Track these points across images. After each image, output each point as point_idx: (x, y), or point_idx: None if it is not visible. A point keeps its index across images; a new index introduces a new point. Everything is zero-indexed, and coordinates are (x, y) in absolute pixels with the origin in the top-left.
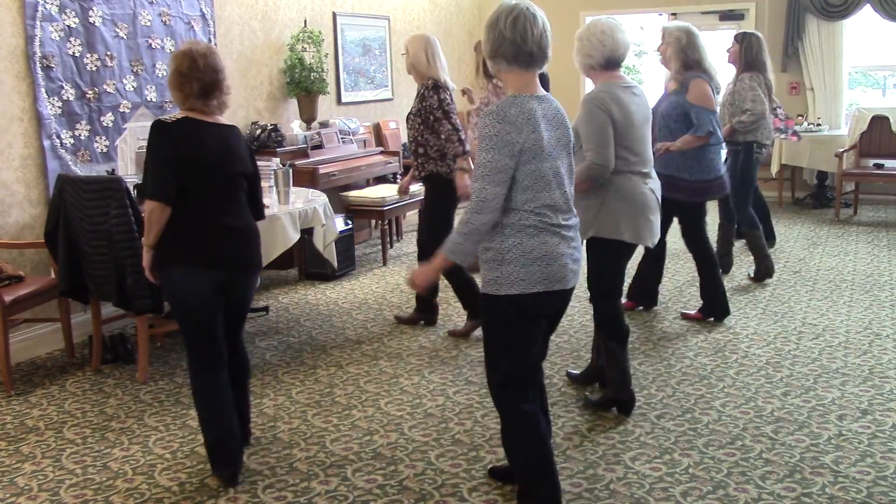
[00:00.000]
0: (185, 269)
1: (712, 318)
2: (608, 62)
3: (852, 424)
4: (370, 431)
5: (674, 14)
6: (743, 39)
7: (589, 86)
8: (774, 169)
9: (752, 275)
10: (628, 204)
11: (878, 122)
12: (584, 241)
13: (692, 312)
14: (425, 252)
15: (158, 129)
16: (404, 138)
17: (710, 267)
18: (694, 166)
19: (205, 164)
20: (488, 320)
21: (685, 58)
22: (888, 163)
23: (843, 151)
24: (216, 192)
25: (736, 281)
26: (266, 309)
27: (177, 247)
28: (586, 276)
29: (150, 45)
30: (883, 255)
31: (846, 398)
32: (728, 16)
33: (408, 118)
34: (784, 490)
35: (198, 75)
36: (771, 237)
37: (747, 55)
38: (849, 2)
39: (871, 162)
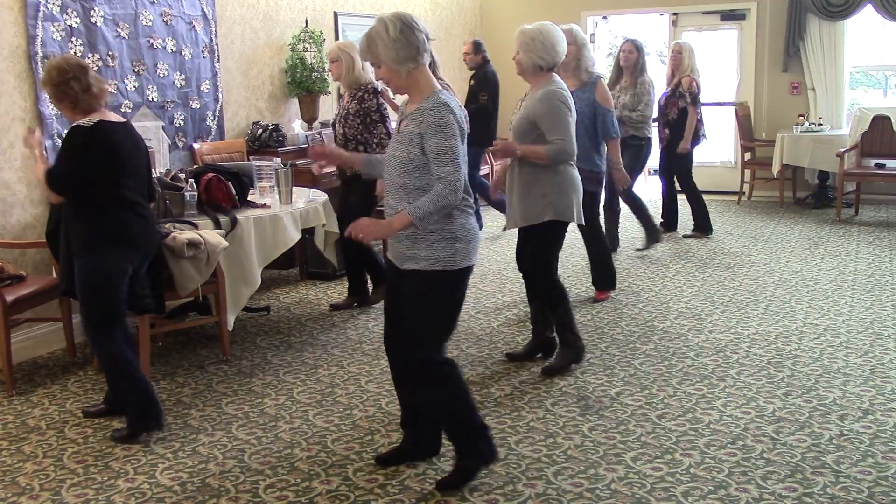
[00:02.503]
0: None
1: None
2: (554, 66)
3: (854, 424)
4: (371, 431)
5: (675, 14)
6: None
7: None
8: (776, 169)
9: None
10: (576, 191)
11: (880, 121)
12: (532, 224)
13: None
14: (351, 244)
15: (74, 131)
16: None
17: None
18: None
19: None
20: (440, 296)
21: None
22: (889, 163)
23: (845, 151)
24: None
25: (737, 281)
26: (267, 309)
27: (108, 229)
28: (535, 256)
29: (152, 45)
30: (884, 256)
31: (847, 398)
32: (729, 16)
33: (344, 119)
34: (785, 490)
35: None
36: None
37: (641, 61)
38: (850, 1)
39: (873, 162)
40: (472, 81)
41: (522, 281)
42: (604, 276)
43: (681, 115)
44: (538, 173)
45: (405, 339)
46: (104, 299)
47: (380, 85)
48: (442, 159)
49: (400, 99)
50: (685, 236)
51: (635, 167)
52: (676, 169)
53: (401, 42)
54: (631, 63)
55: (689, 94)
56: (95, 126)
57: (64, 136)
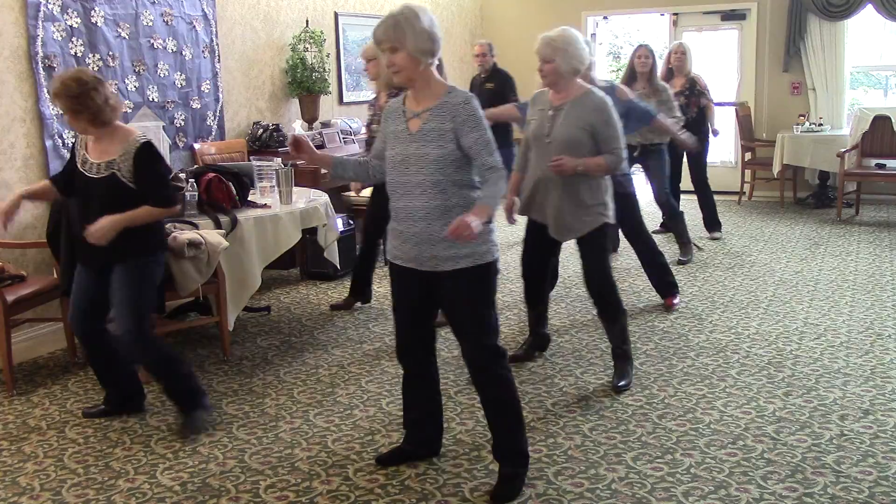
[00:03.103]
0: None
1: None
2: (589, 68)
3: (854, 424)
4: (372, 431)
5: (675, 14)
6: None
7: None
8: (776, 169)
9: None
10: (611, 191)
11: (880, 122)
12: (588, 230)
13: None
14: (374, 245)
15: (152, 147)
16: None
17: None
18: None
19: None
20: (489, 287)
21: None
22: (890, 163)
23: (845, 151)
24: None
25: (738, 281)
26: (268, 309)
27: (160, 236)
28: (599, 267)
29: (153, 45)
30: (885, 256)
31: (848, 398)
32: (730, 16)
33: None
34: (786, 490)
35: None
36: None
37: (655, 67)
38: (850, 2)
39: (873, 162)
40: (491, 84)
41: (522, 282)
42: (668, 281)
43: (699, 113)
44: (580, 181)
45: (470, 339)
46: (153, 300)
47: None
48: (489, 149)
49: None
50: (712, 238)
51: (669, 172)
52: (699, 168)
53: (429, 35)
54: (648, 69)
55: (706, 91)
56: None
57: (139, 155)
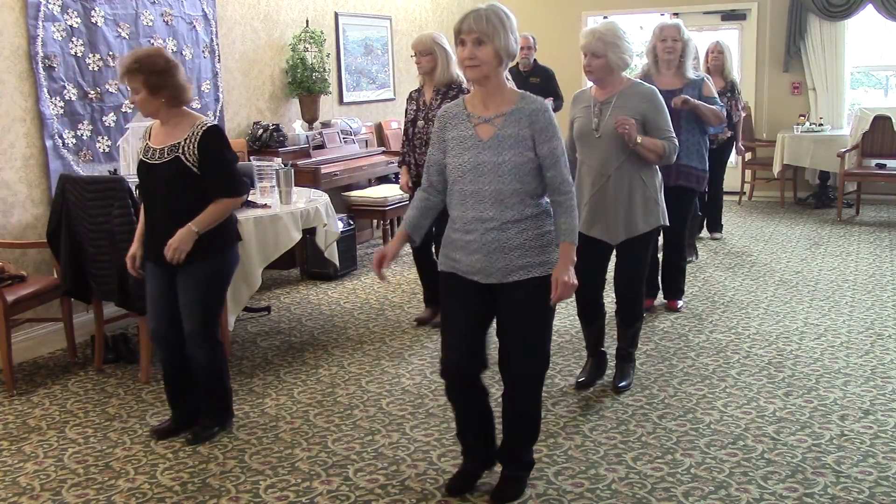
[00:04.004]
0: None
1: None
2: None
3: (854, 425)
4: (372, 431)
5: (675, 14)
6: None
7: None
8: (776, 169)
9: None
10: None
11: (881, 122)
12: (647, 230)
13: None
14: (427, 254)
15: (220, 131)
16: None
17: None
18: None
19: None
20: (546, 303)
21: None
22: (890, 163)
23: (846, 151)
24: None
25: (738, 281)
26: (268, 309)
27: (231, 229)
28: (637, 271)
29: (153, 45)
30: (885, 256)
31: (848, 398)
32: (730, 16)
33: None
34: (786, 490)
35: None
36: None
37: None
38: (851, 1)
39: (874, 162)
40: (537, 79)
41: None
42: (679, 287)
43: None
44: (634, 178)
45: (526, 353)
46: (223, 299)
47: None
48: (563, 161)
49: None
50: (713, 238)
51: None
52: (721, 171)
53: (515, 37)
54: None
55: (739, 94)
56: None
57: (205, 139)
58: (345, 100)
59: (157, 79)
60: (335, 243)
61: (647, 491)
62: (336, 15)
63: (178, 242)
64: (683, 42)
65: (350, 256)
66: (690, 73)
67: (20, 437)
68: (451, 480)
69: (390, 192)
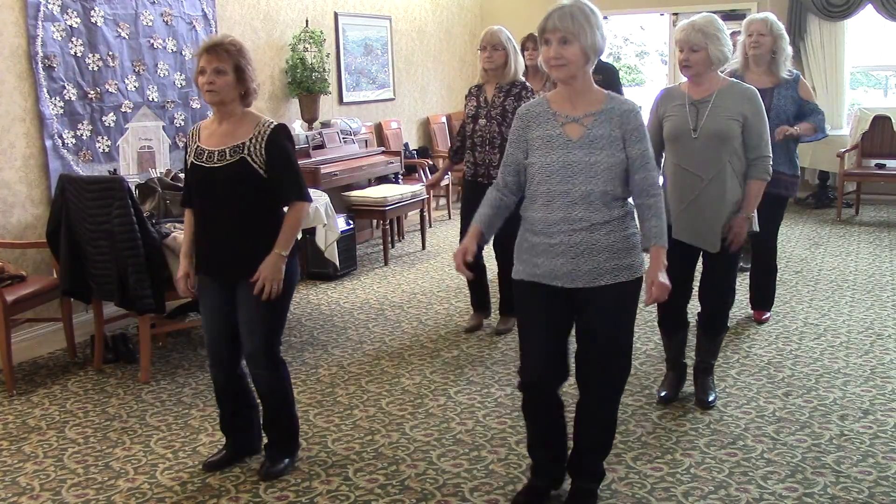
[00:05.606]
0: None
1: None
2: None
3: (854, 424)
4: (372, 431)
5: (675, 14)
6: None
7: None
8: None
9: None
10: None
11: (880, 122)
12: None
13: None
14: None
15: (288, 131)
16: (405, 138)
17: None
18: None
19: None
20: (636, 303)
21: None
22: (890, 163)
23: (845, 151)
24: None
25: (737, 281)
26: None
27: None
28: (727, 280)
29: (152, 45)
30: (885, 256)
31: (848, 398)
32: (730, 16)
33: (501, 116)
34: (786, 490)
35: None
36: None
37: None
38: (850, 2)
39: (873, 162)
40: (599, 76)
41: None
42: (768, 295)
43: None
44: (733, 183)
45: (612, 359)
46: (286, 316)
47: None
48: (652, 163)
49: None
50: None
51: None
52: None
53: (602, 34)
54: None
55: None
56: None
57: (273, 139)
58: (344, 100)
59: (247, 66)
60: (335, 243)
61: (646, 491)
62: (336, 15)
63: (269, 272)
64: (773, 37)
65: (350, 256)
66: (784, 73)
67: (20, 437)
68: (518, 496)
69: (390, 192)
